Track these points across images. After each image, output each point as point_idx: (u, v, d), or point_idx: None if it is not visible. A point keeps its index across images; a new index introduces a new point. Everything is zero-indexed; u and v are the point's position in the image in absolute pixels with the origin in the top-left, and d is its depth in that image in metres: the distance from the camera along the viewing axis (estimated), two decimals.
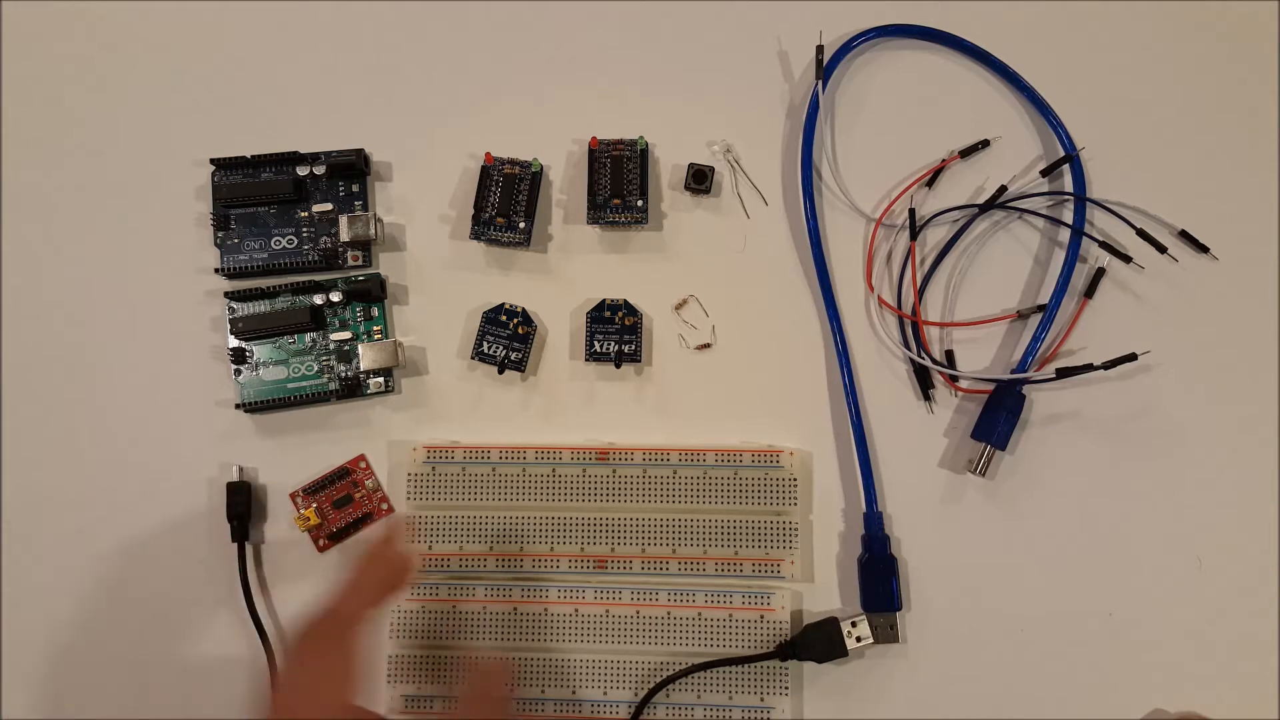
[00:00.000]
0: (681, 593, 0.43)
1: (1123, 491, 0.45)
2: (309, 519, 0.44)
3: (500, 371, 0.46)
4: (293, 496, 0.45)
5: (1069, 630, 0.44)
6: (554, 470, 0.44)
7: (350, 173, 0.47)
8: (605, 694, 0.43)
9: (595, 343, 0.45)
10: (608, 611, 0.43)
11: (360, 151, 0.47)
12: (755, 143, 0.47)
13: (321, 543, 0.45)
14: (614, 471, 0.44)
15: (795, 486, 0.44)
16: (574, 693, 0.43)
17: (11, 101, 0.49)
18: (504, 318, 0.46)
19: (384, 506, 0.45)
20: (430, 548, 0.44)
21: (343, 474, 0.45)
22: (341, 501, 0.45)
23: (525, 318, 0.46)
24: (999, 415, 0.44)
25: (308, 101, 0.48)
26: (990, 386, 0.45)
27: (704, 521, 0.44)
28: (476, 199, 0.46)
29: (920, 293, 0.46)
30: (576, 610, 0.43)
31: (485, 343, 0.46)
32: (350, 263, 0.47)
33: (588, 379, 0.46)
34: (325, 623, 0.36)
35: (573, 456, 0.44)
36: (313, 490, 0.45)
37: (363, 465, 0.45)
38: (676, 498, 0.44)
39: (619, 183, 0.46)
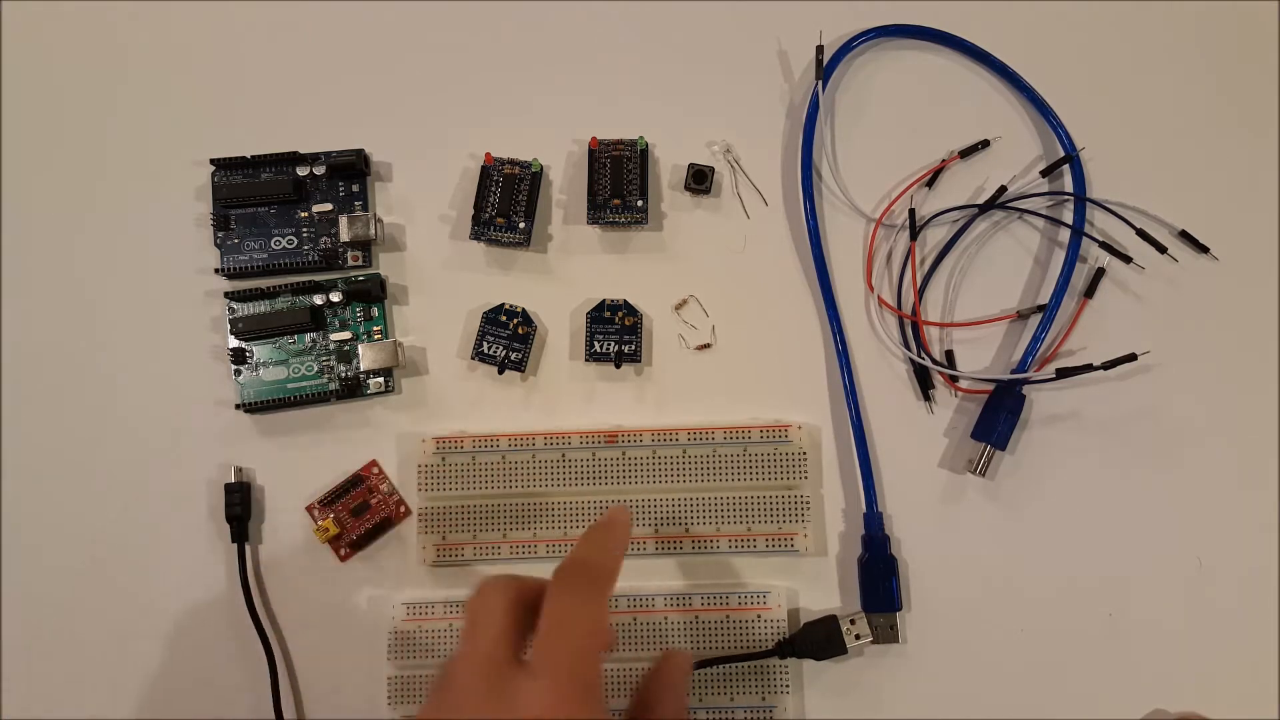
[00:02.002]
0: (677, 597, 0.43)
1: (1122, 492, 0.45)
2: (328, 530, 0.44)
3: (500, 372, 0.45)
4: (309, 509, 0.45)
5: (1069, 630, 0.44)
6: (563, 455, 0.44)
7: (350, 173, 0.47)
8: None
9: (595, 343, 0.45)
10: None
11: (360, 151, 0.47)
12: (755, 143, 0.47)
13: (343, 552, 0.45)
14: (623, 454, 0.44)
15: (805, 460, 0.44)
16: None
17: (11, 101, 0.49)
18: (504, 318, 0.46)
19: (401, 509, 0.45)
20: (444, 538, 0.44)
21: (356, 481, 0.45)
22: (359, 509, 0.45)
23: (525, 318, 0.46)
24: (999, 415, 0.44)
25: (308, 101, 0.48)
26: (990, 386, 0.45)
27: (716, 499, 0.44)
28: (476, 199, 0.46)
29: (920, 293, 0.46)
30: None
31: (485, 343, 0.46)
32: (350, 263, 0.47)
33: (588, 379, 0.46)
34: (576, 570, 0.33)
35: (581, 441, 0.44)
36: (329, 501, 0.45)
37: (375, 470, 0.45)
38: (687, 477, 0.44)
39: (619, 183, 0.46)
